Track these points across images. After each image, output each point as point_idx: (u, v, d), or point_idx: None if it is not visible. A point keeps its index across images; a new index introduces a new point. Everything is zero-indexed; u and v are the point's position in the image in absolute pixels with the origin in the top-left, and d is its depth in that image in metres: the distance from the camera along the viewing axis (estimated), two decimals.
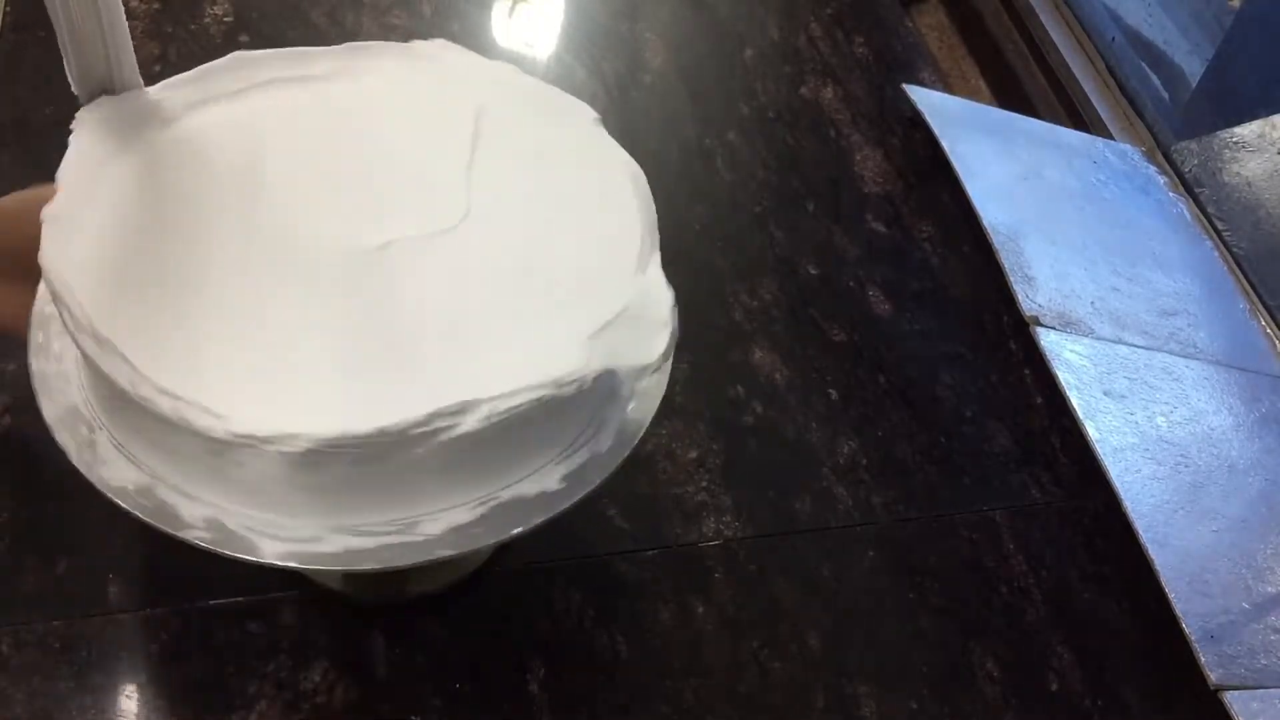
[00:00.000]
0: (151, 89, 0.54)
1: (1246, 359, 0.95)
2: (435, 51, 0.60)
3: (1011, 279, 0.90)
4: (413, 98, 0.58)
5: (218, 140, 0.54)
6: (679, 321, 0.52)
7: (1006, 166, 1.01)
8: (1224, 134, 1.11)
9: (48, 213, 0.48)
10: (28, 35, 0.85)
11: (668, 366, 0.54)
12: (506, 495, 0.49)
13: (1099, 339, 0.89)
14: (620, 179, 0.55)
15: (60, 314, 0.46)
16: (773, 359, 0.82)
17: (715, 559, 0.70)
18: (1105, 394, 0.84)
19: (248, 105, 0.55)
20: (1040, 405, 0.86)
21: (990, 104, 1.19)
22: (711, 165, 0.95)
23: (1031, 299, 0.89)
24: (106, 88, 0.52)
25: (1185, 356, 0.92)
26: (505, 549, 0.67)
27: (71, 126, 0.51)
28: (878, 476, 0.78)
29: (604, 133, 0.57)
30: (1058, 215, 0.99)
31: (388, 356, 0.48)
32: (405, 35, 0.94)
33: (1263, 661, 0.72)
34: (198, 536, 0.45)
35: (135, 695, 0.58)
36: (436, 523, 0.48)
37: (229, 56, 0.56)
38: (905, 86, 1.04)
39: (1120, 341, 0.90)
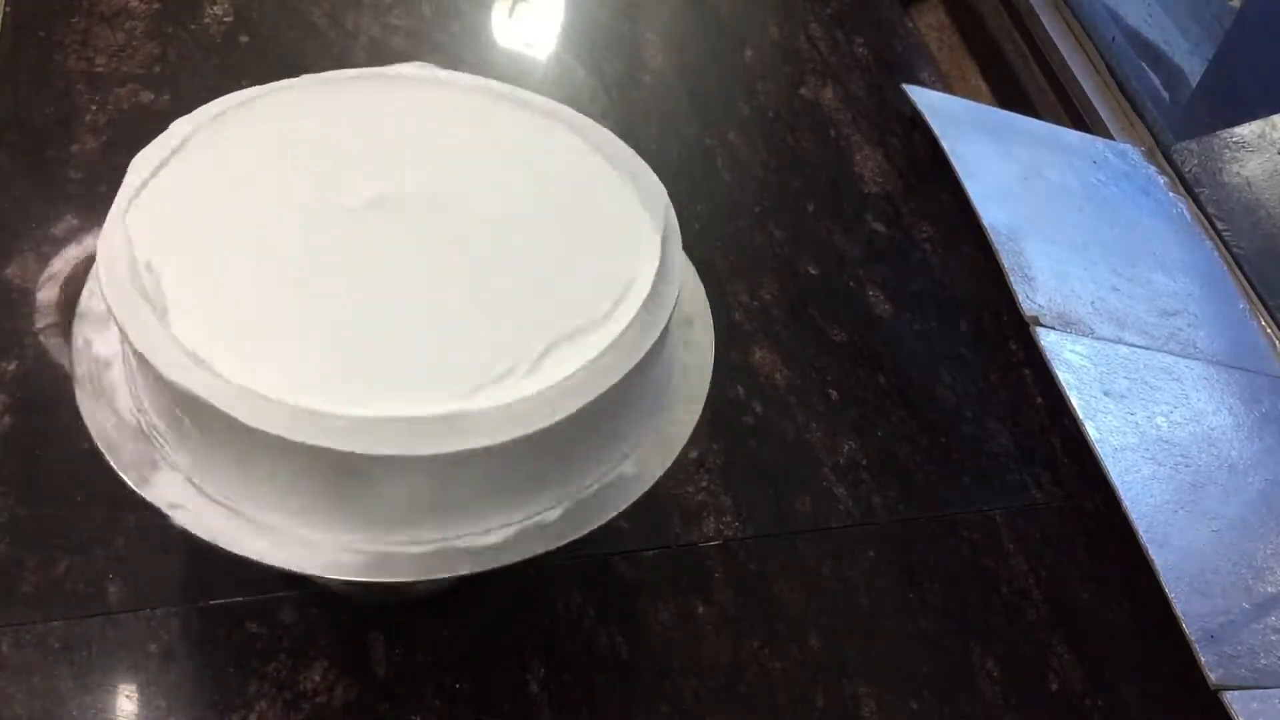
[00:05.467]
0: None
1: (1246, 359, 0.95)
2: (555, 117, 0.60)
3: (1011, 279, 0.90)
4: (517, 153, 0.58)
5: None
6: None
7: (1006, 166, 1.01)
8: (1224, 134, 1.11)
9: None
10: (28, 35, 0.84)
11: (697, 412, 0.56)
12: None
13: (1099, 339, 0.89)
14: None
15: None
16: (773, 359, 0.82)
17: (715, 559, 0.70)
18: (1105, 394, 0.84)
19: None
20: (1040, 405, 0.86)
21: (990, 104, 1.19)
22: (711, 165, 0.95)
23: (1031, 299, 0.89)
24: None
25: (1185, 356, 0.92)
26: None
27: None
28: (878, 476, 0.78)
29: (676, 229, 0.55)
30: (1058, 215, 0.99)
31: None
32: (406, 35, 0.94)
33: (1263, 661, 0.72)
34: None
35: (135, 695, 0.58)
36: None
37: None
38: (905, 86, 1.04)
39: (1120, 341, 0.90)
